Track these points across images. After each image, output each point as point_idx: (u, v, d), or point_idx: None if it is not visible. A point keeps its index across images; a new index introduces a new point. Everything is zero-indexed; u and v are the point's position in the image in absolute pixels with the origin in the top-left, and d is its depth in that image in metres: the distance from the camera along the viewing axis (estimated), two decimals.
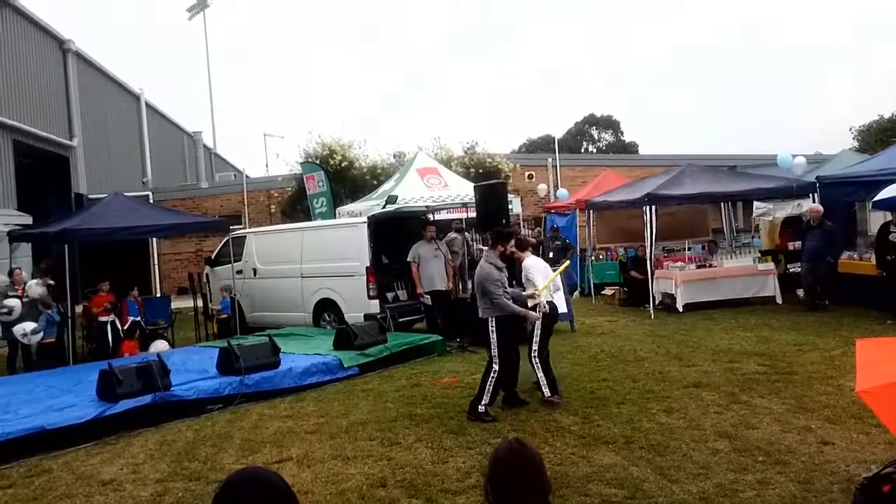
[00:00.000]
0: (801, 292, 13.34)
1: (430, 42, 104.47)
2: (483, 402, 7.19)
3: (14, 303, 10.97)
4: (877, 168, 12.36)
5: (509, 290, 7.48)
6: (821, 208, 12.98)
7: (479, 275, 7.44)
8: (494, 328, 7.28)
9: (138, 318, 12.73)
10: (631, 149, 51.77)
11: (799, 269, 13.46)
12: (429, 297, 11.91)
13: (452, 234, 13.47)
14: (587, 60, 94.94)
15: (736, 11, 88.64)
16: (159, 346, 12.05)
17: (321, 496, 5.41)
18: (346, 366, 9.60)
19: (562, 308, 10.60)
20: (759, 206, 17.20)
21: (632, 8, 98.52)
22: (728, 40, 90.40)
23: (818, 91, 78.47)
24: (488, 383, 7.23)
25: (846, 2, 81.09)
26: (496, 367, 7.27)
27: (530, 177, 26.11)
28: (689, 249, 15.51)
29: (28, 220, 16.06)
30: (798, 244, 13.69)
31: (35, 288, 11.24)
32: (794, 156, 15.74)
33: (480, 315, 7.42)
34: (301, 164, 21.80)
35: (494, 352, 7.29)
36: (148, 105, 29.29)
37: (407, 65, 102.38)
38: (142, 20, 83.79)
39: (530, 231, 22.85)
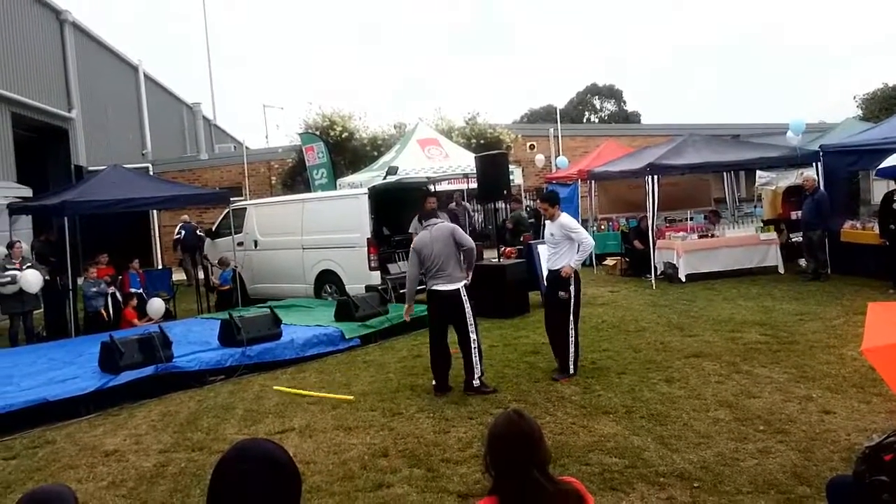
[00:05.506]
0: (802, 262, 13.32)
1: (430, 34, 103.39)
2: (477, 376, 7.13)
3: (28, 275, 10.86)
4: (880, 137, 12.25)
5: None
6: (814, 177, 12.93)
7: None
8: (467, 298, 7.22)
9: (140, 290, 12.75)
10: (633, 118, 51.35)
11: (801, 239, 13.44)
12: None
13: (453, 205, 13.43)
14: (585, 60, 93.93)
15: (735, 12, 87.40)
16: (155, 304, 12.13)
17: (323, 466, 5.44)
18: (347, 337, 9.63)
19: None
20: (761, 176, 17.08)
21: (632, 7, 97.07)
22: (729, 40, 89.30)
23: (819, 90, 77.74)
24: (473, 356, 7.15)
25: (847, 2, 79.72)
26: (473, 336, 7.16)
27: (531, 147, 25.92)
28: (692, 219, 15.47)
29: (28, 192, 16.01)
30: (800, 213, 13.64)
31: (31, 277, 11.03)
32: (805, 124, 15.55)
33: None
34: (300, 135, 21.65)
35: (470, 321, 7.19)
36: (147, 76, 29.06)
37: (409, 56, 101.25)
38: None
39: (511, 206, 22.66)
